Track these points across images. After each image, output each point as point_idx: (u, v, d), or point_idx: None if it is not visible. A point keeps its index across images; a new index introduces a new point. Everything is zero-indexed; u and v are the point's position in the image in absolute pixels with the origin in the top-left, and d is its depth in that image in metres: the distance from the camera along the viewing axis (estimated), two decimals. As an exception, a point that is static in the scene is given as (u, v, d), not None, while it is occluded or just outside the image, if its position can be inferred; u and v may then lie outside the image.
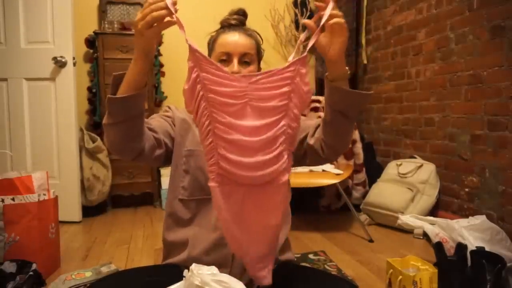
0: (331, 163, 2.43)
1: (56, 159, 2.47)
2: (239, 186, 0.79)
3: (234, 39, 0.98)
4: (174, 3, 0.74)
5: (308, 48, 0.81)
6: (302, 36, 0.86)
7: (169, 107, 1.10)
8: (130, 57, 3.01)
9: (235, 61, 0.96)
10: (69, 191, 2.44)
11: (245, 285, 0.70)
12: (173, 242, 1.00)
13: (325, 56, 0.84)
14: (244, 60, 0.97)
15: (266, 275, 0.84)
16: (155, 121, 1.02)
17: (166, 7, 0.73)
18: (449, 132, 2.31)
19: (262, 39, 1.06)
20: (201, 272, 0.67)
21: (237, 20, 1.03)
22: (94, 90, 2.82)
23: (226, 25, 1.03)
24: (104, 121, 0.87)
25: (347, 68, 0.89)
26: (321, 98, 2.46)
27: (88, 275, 1.58)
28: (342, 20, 0.78)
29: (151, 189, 2.89)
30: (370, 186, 2.60)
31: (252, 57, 0.99)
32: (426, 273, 1.28)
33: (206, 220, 0.97)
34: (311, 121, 1.03)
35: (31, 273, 1.45)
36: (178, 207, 1.00)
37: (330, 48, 0.82)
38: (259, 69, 1.04)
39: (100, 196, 2.64)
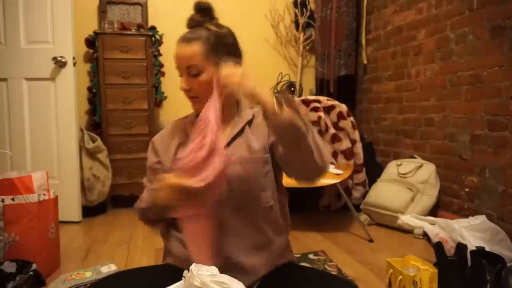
0: (331, 163, 2.43)
1: (56, 159, 2.47)
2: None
3: (177, 52, 0.95)
4: None
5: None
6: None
7: (151, 143, 1.10)
8: (130, 57, 3.01)
9: (184, 76, 0.95)
10: (69, 191, 2.44)
11: (246, 286, 0.70)
12: (172, 245, 1.00)
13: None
14: (192, 73, 0.94)
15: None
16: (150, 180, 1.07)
17: None
18: (449, 132, 2.31)
19: (226, 28, 0.99)
20: (200, 273, 0.67)
21: (189, 21, 0.99)
22: (94, 90, 2.82)
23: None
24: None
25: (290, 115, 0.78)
26: (321, 98, 2.46)
27: (88, 275, 1.58)
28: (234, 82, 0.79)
29: (151, 189, 2.89)
30: (370, 186, 2.60)
31: (199, 66, 0.93)
32: (426, 273, 1.28)
33: None
34: None
35: (31, 273, 1.45)
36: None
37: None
38: (218, 66, 0.91)
39: (100, 196, 2.64)
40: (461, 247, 1.45)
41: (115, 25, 2.85)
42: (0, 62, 2.42)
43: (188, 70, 0.94)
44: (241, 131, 1.01)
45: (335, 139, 2.40)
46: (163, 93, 3.02)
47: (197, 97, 0.96)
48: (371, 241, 2.11)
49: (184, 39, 0.95)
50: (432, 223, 1.85)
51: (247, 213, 0.95)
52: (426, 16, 2.48)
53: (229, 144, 0.98)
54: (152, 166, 1.06)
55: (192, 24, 0.99)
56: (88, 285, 1.50)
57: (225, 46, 0.97)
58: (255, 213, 0.96)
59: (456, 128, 2.26)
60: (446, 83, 2.32)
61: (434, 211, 2.35)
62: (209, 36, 0.95)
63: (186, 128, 1.04)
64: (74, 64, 2.44)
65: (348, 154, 2.40)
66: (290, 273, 0.97)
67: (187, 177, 0.80)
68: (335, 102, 2.45)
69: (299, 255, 1.87)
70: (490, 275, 1.32)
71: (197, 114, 0.98)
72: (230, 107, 1.03)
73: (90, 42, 2.84)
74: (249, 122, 1.03)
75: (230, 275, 0.70)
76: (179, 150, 0.99)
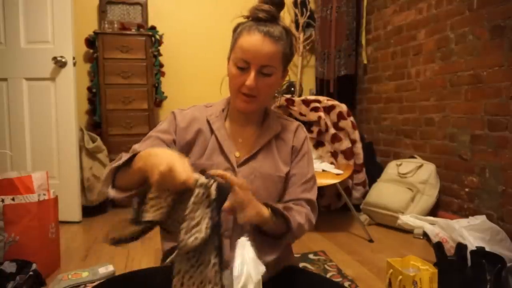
0: (331, 163, 2.43)
1: (56, 159, 2.46)
2: None
3: (256, 46, 0.85)
4: None
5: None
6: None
7: (173, 114, 1.00)
8: (130, 57, 3.01)
9: (253, 73, 0.87)
10: (69, 191, 2.44)
11: None
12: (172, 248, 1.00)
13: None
14: (263, 72, 0.88)
15: None
16: (150, 143, 0.93)
17: None
18: (449, 132, 2.31)
19: (295, 36, 0.97)
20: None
21: (267, 14, 0.88)
22: (94, 90, 2.82)
23: (254, 17, 0.89)
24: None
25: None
26: (321, 98, 2.46)
27: (84, 275, 1.58)
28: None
29: (151, 189, 2.89)
30: (370, 186, 2.60)
31: (274, 68, 0.89)
32: (426, 273, 1.28)
33: None
34: (307, 172, 1.00)
35: (31, 273, 1.45)
36: None
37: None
38: (284, 74, 0.95)
39: (100, 196, 2.64)
40: (461, 247, 1.45)
41: (115, 25, 2.85)
42: (0, 62, 2.42)
43: (261, 68, 0.87)
44: (268, 143, 0.98)
45: (335, 139, 2.40)
46: (163, 93, 3.02)
47: (256, 97, 0.90)
48: (371, 241, 2.11)
49: (269, 34, 0.86)
50: (432, 223, 1.85)
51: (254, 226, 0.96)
52: (426, 16, 2.48)
53: (254, 156, 0.96)
54: (160, 136, 0.95)
55: (268, 17, 0.89)
56: (88, 286, 1.50)
57: (287, 59, 0.93)
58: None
59: (456, 128, 2.26)
60: (446, 83, 2.32)
61: (434, 211, 2.35)
62: (291, 41, 0.92)
63: (210, 120, 0.98)
64: (74, 64, 2.44)
65: (348, 154, 2.39)
66: (291, 277, 0.96)
67: None
68: (335, 102, 2.45)
69: (299, 255, 1.87)
70: (490, 275, 1.32)
71: (242, 112, 0.95)
72: (256, 114, 0.99)
73: (90, 42, 2.84)
74: (276, 136, 1.00)
75: None
76: (196, 143, 0.96)
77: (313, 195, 1.00)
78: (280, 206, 0.90)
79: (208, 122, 0.98)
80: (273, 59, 0.88)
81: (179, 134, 0.96)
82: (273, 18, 0.90)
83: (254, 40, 0.86)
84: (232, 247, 0.94)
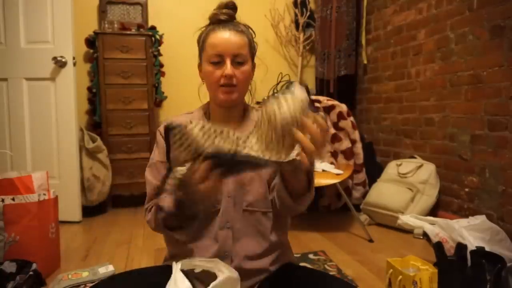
0: (331, 163, 2.43)
1: (56, 159, 2.47)
2: None
3: (225, 38, 0.94)
4: None
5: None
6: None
7: (158, 131, 1.03)
8: (130, 57, 3.01)
9: (228, 62, 0.94)
10: (69, 191, 2.44)
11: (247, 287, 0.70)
12: (175, 251, 1.00)
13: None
14: (237, 61, 0.95)
15: None
16: (156, 177, 0.99)
17: None
18: (449, 132, 2.31)
19: (254, 32, 1.02)
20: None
21: (226, 15, 0.98)
22: (94, 90, 2.82)
23: (215, 21, 0.98)
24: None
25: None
26: (321, 98, 2.46)
27: (84, 275, 1.58)
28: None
29: (151, 189, 2.88)
30: (370, 186, 2.60)
31: (245, 56, 0.96)
32: (426, 273, 1.28)
33: (208, 230, 0.96)
34: None
35: (31, 273, 1.45)
36: None
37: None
38: (253, 65, 1.02)
39: (100, 196, 2.64)
40: (461, 247, 1.45)
41: (115, 25, 2.85)
42: (0, 62, 2.42)
43: (234, 58, 0.94)
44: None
45: (335, 139, 2.40)
46: (163, 93, 3.02)
47: (236, 86, 0.96)
48: (371, 241, 2.11)
49: (234, 28, 0.96)
50: (432, 223, 1.85)
51: (253, 216, 0.97)
52: (426, 16, 2.48)
53: None
54: (161, 161, 1.00)
55: (229, 18, 0.99)
56: (88, 285, 1.50)
57: (253, 49, 1.01)
58: (259, 217, 0.98)
59: (456, 128, 2.26)
60: (446, 83, 2.32)
61: (434, 211, 2.35)
62: (250, 33, 1.01)
63: (193, 122, 1.02)
64: (74, 64, 2.44)
65: (348, 154, 2.40)
66: (290, 274, 0.97)
67: None
68: (335, 102, 2.45)
69: (299, 255, 1.87)
70: (490, 275, 1.32)
71: (227, 106, 0.99)
72: (237, 108, 1.03)
73: (90, 42, 2.84)
74: None
75: None
76: None
77: None
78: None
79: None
80: (242, 47, 0.96)
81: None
82: (232, 18, 1.00)
83: (222, 34, 0.95)
84: (234, 238, 0.95)
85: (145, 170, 1.02)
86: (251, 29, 1.02)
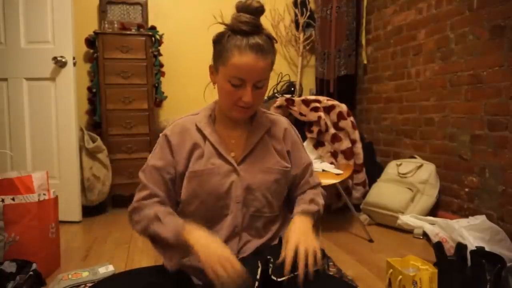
0: (331, 163, 2.43)
1: (56, 159, 2.47)
2: None
3: (250, 65, 0.86)
4: None
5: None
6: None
7: (163, 135, 1.01)
8: (130, 57, 3.00)
9: (249, 89, 0.89)
10: (69, 191, 2.44)
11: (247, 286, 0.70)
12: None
13: None
14: (257, 86, 0.91)
15: None
16: (154, 177, 0.98)
17: None
18: (449, 132, 2.31)
19: (276, 40, 0.95)
20: None
21: (250, 26, 0.87)
22: (94, 90, 2.82)
23: (237, 30, 0.88)
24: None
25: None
26: (321, 98, 2.46)
27: (84, 275, 1.57)
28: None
29: (151, 189, 2.88)
30: (370, 186, 2.60)
31: (266, 80, 0.92)
32: (426, 273, 1.28)
33: (216, 234, 0.96)
34: (304, 159, 1.10)
35: (31, 273, 1.45)
36: None
37: None
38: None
39: (100, 196, 2.64)
40: (461, 247, 1.45)
41: (115, 25, 2.85)
42: (0, 62, 2.42)
43: (256, 83, 0.90)
44: (261, 139, 1.02)
45: (335, 139, 2.40)
46: (163, 93, 3.02)
47: (252, 107, 0.94)
48: (371, 241, 2.11)
49: (261, 51, 0.87)
50: (432, 223, 1.85)
51: (260, 221, 0.99)
52: (426, 16, 2.48)
53: (250, 152, 1.00)
54: (162, 167, 0.98)
55: (253, 28, 0.88)
56: (88, 285, 1.50)
57: (274, 62, 0.96)
58: (266, 221, 1.01)
59: (456, 128, 2.26)
60: (446, 83, 2.32)
61: (434, 211, 2.35)
62: (274, 48, 0.93)
63: (201, 127, 1.00)
64: (74, 64, 2.44)
65: (348, 154, 2.39)
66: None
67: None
68: (335, 102, 2.45)
69: (299, 255, 1.86)
70: (490, 275, 1.32)
71: (234, 120, 1.00)
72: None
73: (90, 42, 2.84)
74: (267, 131, 1.04)
75: None
76: (194, 154, 0.99)
77: (315, 175, 1.14)
78: (307, 199, 1.04)
79: (199, 129, 1.00)
80: (266, 72, 0.91)
81: (175, 151, 0.99)
82: (257, 28, 0.89)
83: (247, 59, 0.86)
84: (241, 241, 0.96)
85: (139, 173, 1.01)
86: (275, 39, 0.94)
